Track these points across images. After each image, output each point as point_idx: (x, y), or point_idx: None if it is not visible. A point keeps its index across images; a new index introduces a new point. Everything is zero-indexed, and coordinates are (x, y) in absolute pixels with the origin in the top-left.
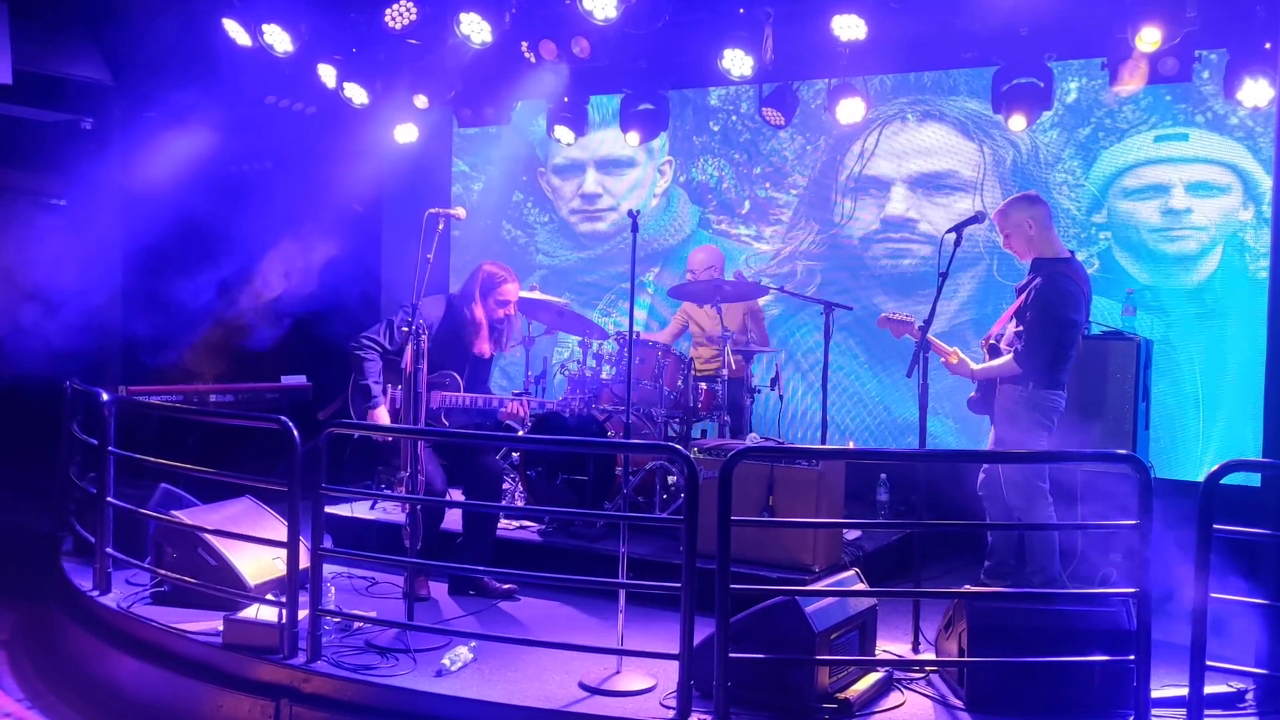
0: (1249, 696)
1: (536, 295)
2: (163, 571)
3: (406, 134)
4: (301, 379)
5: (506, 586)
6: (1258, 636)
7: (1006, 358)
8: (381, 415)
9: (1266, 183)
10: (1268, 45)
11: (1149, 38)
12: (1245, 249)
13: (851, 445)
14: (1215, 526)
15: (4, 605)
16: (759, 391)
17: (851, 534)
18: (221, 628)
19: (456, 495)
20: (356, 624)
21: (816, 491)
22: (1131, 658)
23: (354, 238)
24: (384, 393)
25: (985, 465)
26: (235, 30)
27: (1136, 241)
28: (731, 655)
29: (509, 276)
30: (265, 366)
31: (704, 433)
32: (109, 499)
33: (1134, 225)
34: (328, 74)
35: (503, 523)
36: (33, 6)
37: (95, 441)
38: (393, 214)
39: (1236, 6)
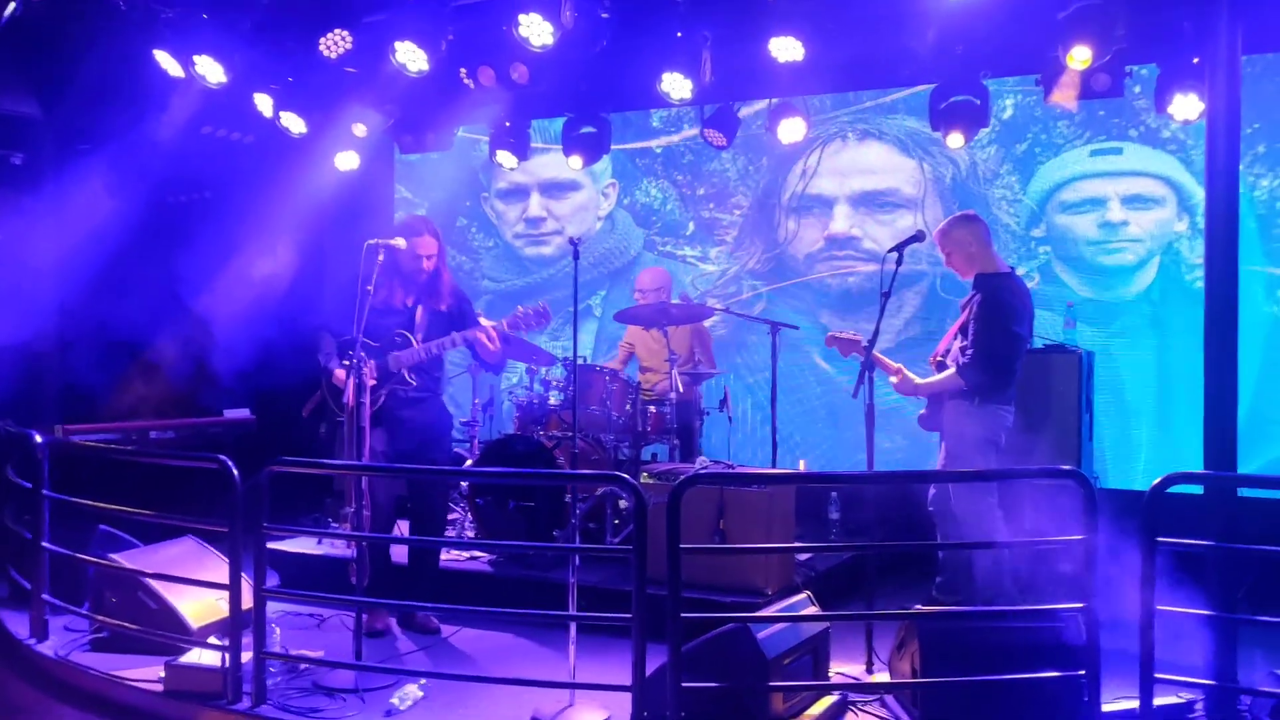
0: (1198, 707)
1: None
2: (101, 617)
3: (347, 161)
4: (245, 412)
5: (434, 625)
6: (1205, 647)
7: (950, 371)
8: (339, 374)
9: (1200, 195)
10: (1196, 60)
11: (1080, 56)
12: (1181, 260)
13: (803, 465)
14: (1159, 539)
15: None
16: (708, 413)
17: (804, 554)
18: (163, 674)
19: (404, 526)
20: (303, 665)
21: (767, 514)
22: (1082, 672)
23: (296, 267)
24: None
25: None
26: (167, 62)
27: (1075, 255)
28: (684, 685)
29: (424, 230)
30: (207, 400)
31: (654, 456)
32: (44, 544)
33: (1072, 239)
34: (264, 103)
35: (453, 553)
36: None
37: (29, 485)
38: (335, 242)
39: (1165, 24)
